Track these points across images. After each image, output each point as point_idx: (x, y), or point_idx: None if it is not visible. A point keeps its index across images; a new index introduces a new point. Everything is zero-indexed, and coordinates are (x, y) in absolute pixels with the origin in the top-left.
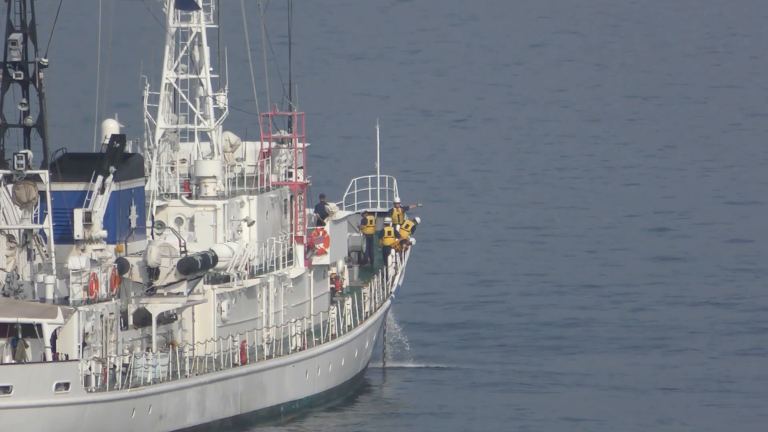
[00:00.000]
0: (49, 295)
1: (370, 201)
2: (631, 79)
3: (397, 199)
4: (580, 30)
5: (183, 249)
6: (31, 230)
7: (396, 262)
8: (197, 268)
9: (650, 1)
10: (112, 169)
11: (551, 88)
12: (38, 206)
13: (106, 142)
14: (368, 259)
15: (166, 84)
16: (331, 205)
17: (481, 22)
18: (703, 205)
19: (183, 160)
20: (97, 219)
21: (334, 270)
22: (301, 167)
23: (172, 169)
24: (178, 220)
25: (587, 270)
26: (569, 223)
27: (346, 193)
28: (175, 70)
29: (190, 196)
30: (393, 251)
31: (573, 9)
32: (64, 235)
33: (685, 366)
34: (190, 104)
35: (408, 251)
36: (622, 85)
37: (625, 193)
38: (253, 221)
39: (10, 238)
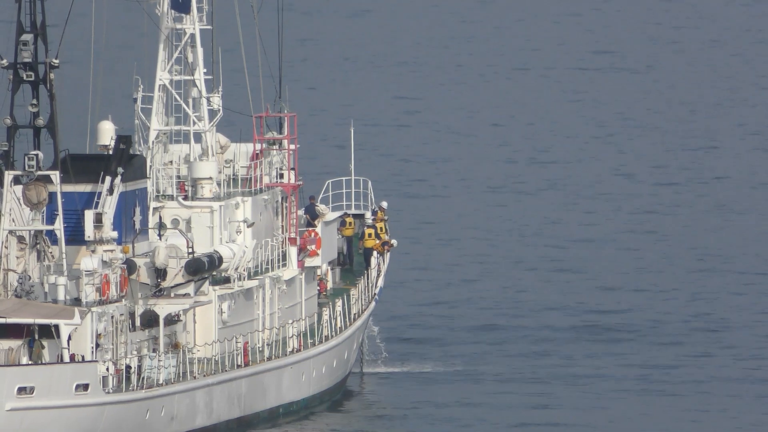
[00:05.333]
0: (61, 296)
1: (344, 203)
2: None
3: (384, 204)
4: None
5: (190, 250)
6: (41, 231)
7: (378, 264)
8: (204, 269)
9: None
10: (120, 170)
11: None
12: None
13: (101, 143)
14: (348, 261)
15: (159, 85)
16: (321, 207)
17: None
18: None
19: (171, 162)
20: (108, 220)
21: (318, 272)
22: (292, 169)
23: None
24: (175, 222)
25: (573, 273)
26: (548, 222)
27: (320, 195)
28: (169, 72)
29: (186, 198)
30: (375, 253)
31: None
32: (71, 236)
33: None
34: (184, 105)
35: (389, 253)
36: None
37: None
38: (253, 222)
39: (20, 239)
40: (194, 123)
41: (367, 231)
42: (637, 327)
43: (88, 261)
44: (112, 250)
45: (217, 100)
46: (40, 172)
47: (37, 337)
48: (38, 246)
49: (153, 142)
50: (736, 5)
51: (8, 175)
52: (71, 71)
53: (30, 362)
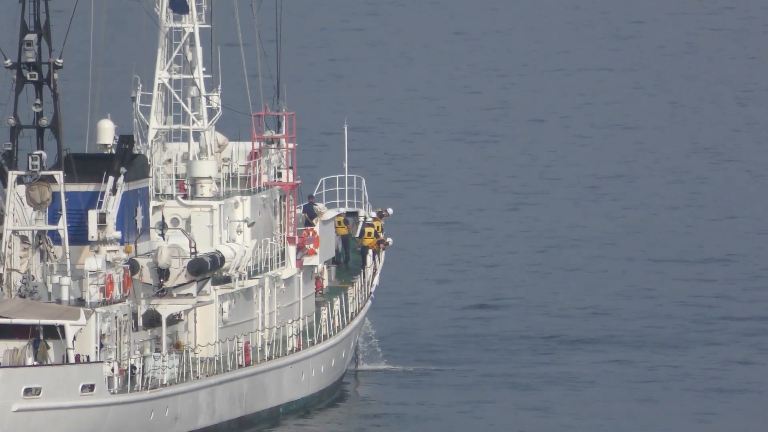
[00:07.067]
0: (65, 297)
1: (338, 201)
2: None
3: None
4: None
5: (193, 250)
6: (44, 231)
7: (375, 263)
8: (207, 269)
9: None
10: (123, 170)
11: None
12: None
13: (101, 142)
14: (342, 259)
15: (159, 84)
16: (320, 206)
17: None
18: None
19: (169, 161)
20: (111, 220)
21: (315, 270)
22: (291, 167)
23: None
24: (174, 221)
25: (568, 274)
26: (546, 225)
27: (314, 193)
28: (168, 70)
29: (185, 197)
30: (371, 251)
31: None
32: (74, 236)
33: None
34: (183, 104)
35: (384, 252)
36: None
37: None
38: (253, 222)
39: (23, 239)
40: (193, 122)
41: (367, 230)
42: (637, 330)
43: (92, 261)
44: (115, 251)
45: (216, 99)
46: (43, 172)
47: (42, 337)
48: (41, 246)
49: (152, 141)
50: None
51: (12, 175)
52: (72, 71)
53: (35, 363)
